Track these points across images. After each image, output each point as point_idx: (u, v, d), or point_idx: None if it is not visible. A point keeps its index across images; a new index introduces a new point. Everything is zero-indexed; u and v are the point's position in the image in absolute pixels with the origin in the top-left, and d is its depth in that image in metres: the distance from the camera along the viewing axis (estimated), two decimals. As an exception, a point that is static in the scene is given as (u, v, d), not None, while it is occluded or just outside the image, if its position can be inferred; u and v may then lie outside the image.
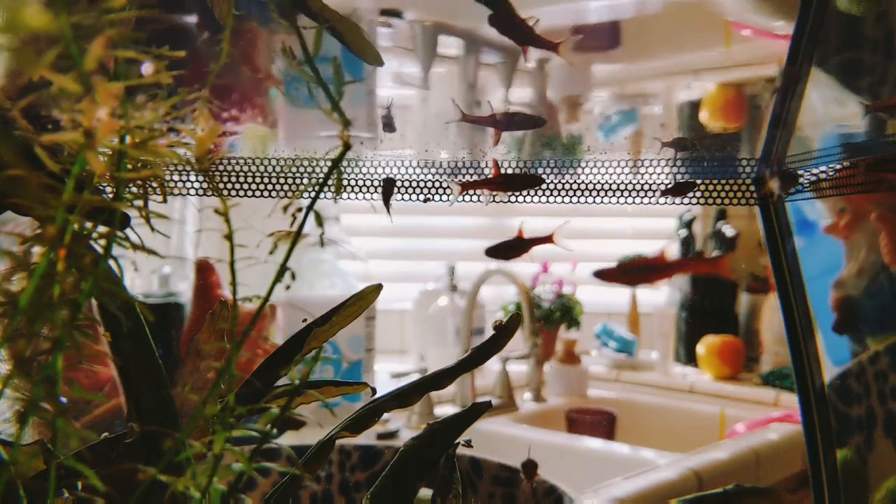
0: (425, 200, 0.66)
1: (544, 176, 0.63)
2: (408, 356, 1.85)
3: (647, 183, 0.68)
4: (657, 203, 0.64)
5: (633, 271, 0.49)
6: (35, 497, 0.38)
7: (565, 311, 1.88)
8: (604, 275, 0.50)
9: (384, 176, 0.59)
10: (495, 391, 1.66)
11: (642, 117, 0.70)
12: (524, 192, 0.64)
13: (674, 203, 0.66)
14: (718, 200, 0.70)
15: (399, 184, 0.62)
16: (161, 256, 0.36)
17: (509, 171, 0.68)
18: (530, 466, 0.67)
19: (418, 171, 0.67)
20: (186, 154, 0.38)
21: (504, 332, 0.51)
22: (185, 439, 0.37)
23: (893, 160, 0.58)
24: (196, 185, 0.63)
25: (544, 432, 1.53)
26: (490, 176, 0.58)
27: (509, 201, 0.61)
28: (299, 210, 0.37)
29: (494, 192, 0.59)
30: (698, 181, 0.67)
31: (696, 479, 1.12)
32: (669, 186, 0.62)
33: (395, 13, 0.55)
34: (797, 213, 0.76)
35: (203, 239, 1.23)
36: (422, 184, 0.67)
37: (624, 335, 2.01)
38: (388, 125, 0.55)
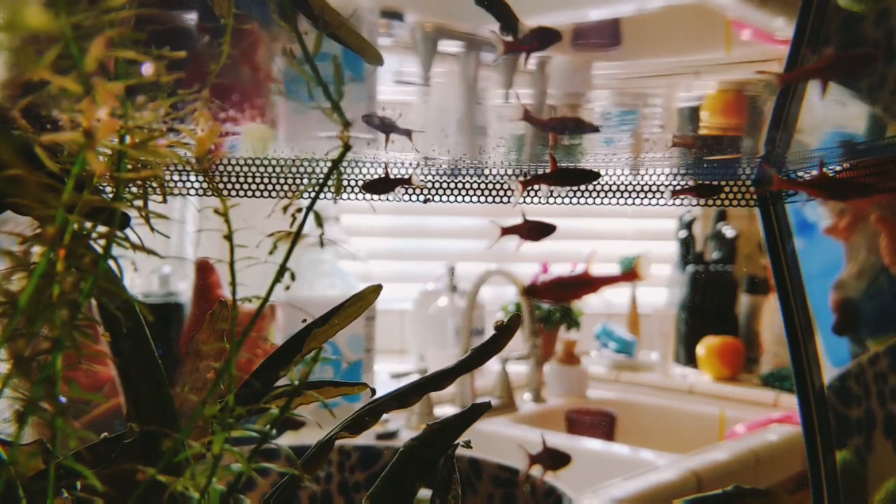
0: (425, 201, 0.66)
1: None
2: (408, 356, 1.85)
3: (647, 184, 0.68)
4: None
5: (562, 287, 0.50)
6: (34, 497, 0.38)
7: (565, 312, 1.88)
8: (534, 291, 0.51)
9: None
10: (495, 392, 1.66)
11: (642, 117, 0.70)
12: (530, 194, 0.65)
13: (674, 203, 0.66)
14: (718, 202, 0.70)
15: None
16: (161, 256, 0.36)
17: (501, 176, 0.68)
18: (562, 459, 0.66)
19: (419, 171, 0.67)
20: (186, 154, 0.38)
21: (504, 332, 0.51)
22: (185, 439, 0.37)
23: None
24: (196, 185, 0.63)
25: (544, 433, 1.53)
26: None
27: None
28: (299, 210, 0.37)
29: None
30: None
31: (695, 479, 1.12)
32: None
33: (396, 15, 0.54)
34: (797, 215, 0.76)
35: (203, 239, 1.23)
36: (422, 184, 0.67)
37: (624, 336, 2.01)
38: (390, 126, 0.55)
